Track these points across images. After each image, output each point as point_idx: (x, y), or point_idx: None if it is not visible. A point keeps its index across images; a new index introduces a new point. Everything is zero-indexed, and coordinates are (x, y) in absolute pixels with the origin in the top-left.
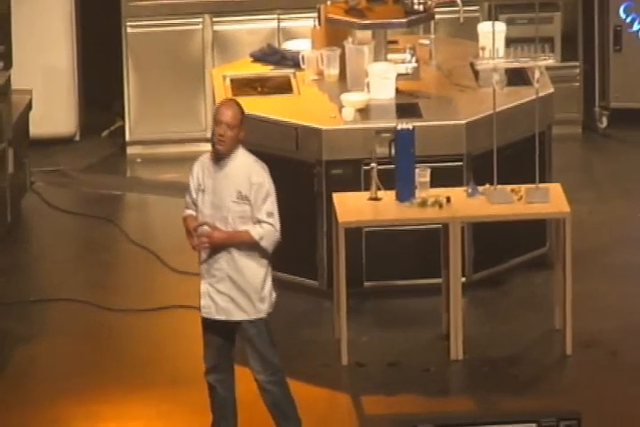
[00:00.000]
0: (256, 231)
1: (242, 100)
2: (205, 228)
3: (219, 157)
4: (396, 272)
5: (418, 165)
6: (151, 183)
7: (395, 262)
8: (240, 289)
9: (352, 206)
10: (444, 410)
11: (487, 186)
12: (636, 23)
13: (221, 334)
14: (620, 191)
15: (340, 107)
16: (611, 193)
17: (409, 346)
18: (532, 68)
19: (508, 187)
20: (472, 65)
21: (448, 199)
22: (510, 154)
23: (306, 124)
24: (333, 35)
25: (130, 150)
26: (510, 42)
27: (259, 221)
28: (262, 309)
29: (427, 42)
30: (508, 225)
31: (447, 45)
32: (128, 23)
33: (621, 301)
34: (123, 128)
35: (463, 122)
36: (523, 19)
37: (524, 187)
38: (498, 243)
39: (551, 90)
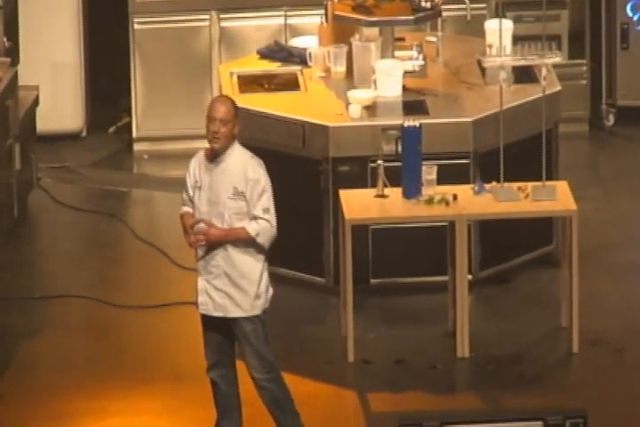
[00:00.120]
0: (252, 228)
1: (248, 96)
2: (202, 225)
3: (215, 154)
4: (403, 270)
5: (424, 162)
6: (157, 180)
7: (401, 260)
8: (236, 285)
9: (359, 204)
10: (450, 408)
11: (494, 184)
12: None
13: (221, 330)
14: (627, 189)
15: (347, 104)
16: (617, 191)
17: (415, 343)
18: (539, 66)
19: (515, 185)
20: (479, 62)
21: (455, 197)
22: (517, 151)
23: (313, 121)
24: (340, 32)
25: (136, 147)
26: (517, 39)
27: (255, 218)
28: (258, 305)
29: (434, 39)
30: (515, 223)
31: (454, 43)
32: (135, 19)
33: (628, 299)
34: (129, 124)
35: (470, 119)
36: (530, 16)
37: (530, 185)
38: (504, 240)
39: (558, 88)
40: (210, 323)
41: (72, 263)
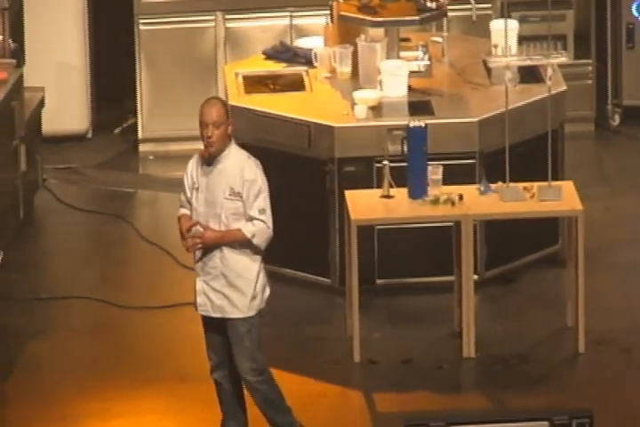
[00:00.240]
0: (248, 229)
1: (254, 97)
2: (198, 228)
3: (211, 156)
4: (409, 270)
5: (430, 162)
6: (163, 181)
7: (407, 260)
8: (233, 286)
9: (364, 204)
10: (456, 408)
11: (499, 184)
12: None
13: (221, 331)
14: (633, 189)
15: (353, 104)
16: (623, 190)
17: (421, 343)
18: (544, 66)
19: (521, 185)
20: (484, 62)
21: (460, 197)
22: (523, 152)
23: (318, 121)
24: (346, 32)
25: (142, 148)
26: (523, 39)
27: (251, 218)
28: (254, 306)
29: (439, 39)
30: (521, 223)
31: (460, 43)
32: (140, 20)
33: (633, 299)
34: (135, 125)
35: (476, 119)
36: (535, 16)
37: (536, 185)
38: (510, 240)
39: (564, 87)
40: (210, 324)
41: (77, 264)
